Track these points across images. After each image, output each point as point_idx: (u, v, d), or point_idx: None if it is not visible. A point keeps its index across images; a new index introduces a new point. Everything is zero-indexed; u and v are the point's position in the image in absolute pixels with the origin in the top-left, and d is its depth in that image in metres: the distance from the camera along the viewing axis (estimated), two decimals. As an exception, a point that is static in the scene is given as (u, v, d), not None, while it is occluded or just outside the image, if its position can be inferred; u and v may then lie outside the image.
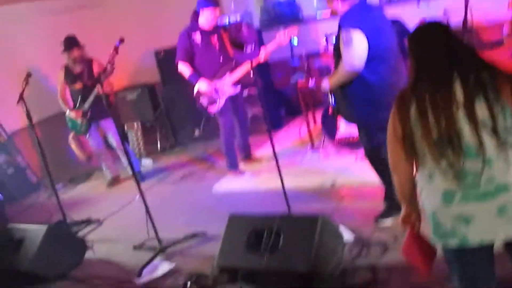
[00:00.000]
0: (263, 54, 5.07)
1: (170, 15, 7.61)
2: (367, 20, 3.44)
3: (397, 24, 5.82)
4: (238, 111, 5.55)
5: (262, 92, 6.46)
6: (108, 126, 5.84)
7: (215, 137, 6.30)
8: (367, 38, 3.37)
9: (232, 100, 5.40)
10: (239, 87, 5.35)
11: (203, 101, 5.31)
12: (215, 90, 5.24)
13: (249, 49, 4.11)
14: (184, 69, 5.28)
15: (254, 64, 4.92)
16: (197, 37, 5.21)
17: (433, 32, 2.15)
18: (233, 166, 5.63)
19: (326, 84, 3.67)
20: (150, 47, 7.75)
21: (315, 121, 6.21)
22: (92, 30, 7.55)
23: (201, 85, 5.21)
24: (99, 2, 8.37)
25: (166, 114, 7.54)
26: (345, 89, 3.59)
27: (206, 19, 5.17)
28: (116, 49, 4.68)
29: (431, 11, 6.44)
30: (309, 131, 5.79)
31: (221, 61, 5.26)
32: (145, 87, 7.77)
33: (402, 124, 2.08)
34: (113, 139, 6.00)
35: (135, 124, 7.20)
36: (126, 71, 8.04)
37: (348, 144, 5.38)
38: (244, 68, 5.23)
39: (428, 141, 2.02)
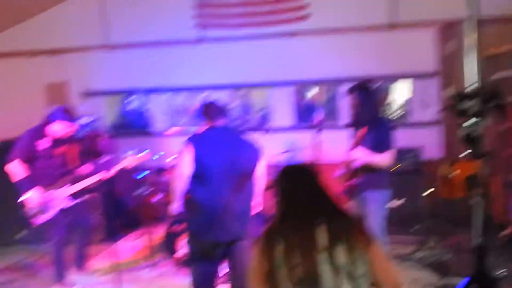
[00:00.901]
0: (111, 173, 4.98)
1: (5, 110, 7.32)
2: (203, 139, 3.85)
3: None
4: (79, 218, 5.26)
5: (103, 201, 6.35)
6: None
7: (40, 241, 5.78)
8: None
9: (73, 207, 5.12)
10: (73, 201, 5.08)
11: (30, 209, 4.89)
12: (47, 201, 4.93)
13: (104, 159, 4.01)
14: (18, 170, 4.86)
15: (96, 180, 5.00)
16: (43, 143, 4.97)
17: (299, 174, 2.34)
18: (60, 278, 5.16)
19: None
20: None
21: (154, 237, 6.09)
22: None
23: (32, 194, 4.85)
24: None
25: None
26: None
27: (59, 130, 5.01)
28: None
29: (275, 141, 7.11)
30: (149, 245, 5.66)
31: (60, 171, 5.05)
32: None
33: (267, 261, 2.16)
34: None
35: None
36: None
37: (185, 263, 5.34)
38: (85, 182, 5.09)
39: (292, 281, 2.12)
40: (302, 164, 2.45)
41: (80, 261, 5.43)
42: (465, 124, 3.79)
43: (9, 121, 7.57)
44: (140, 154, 4.93)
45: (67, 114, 5.01)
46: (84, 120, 6.66)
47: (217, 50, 7.40)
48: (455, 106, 3.85)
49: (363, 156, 4.32)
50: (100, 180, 5.05)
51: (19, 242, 6.48)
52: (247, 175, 3.95)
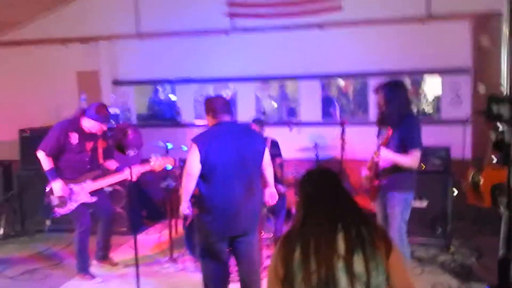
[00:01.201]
0: (135, 174, 4.81)
1: (37, 98, 7.49)
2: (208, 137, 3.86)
3: (273, 143, 6.25)
4: (102, 209, 5.32)
5: (128, 192, 6.43)
6: None
7: (67, 231, 5.98)
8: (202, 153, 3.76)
9: (98, 198, 5.17)
10: (95, 196, 5.11)
11: (53, 200, 4.99)
12: (70, 194, 5.01)
13: (131, 153, 4.02)
14: (44, 161, 4.96)
15: (122, 179, 5.00)
16: (74, 136, 5.01)
17: (323, 178, 2.31)
18: (83, 270, 5.25)
19: None
20: (14, 122, 7.38)
21: (176, 231, 6.17)
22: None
23: (55, 186, 4.94)
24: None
25: (18, 197, 6.99)
26: None
27: (90, 127, 5.03)
28: None
29: (301, 137, 7.07)
30: (170, 240, 5.71)
31: (88, 166, 5.10)
32: (0, 165, 7.28)
33: (284, 265, 2.16)
34: None
35: (-20, 203, 6.56)
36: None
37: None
38: (109, 181, 5.12)
39: (308, 286, 2.10)
40: (326, 168, 2.41)
41: (102, 252, 5.51)
42: (496, 129, 3.63)
43: (41, 107, 7.80)
44: (166, 160, 4.90)
45: (101, 115, 4.97)
46: (112, 111, 6.76)
47: (246, 40, 7.35)
48: (488, 110, 3.68)
49: (388, 157, 4.23)
50: (123, 180, 5.11)
51: (45, 231, 6.55)
52: (257, 168, 3.98)
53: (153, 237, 6.54)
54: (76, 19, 7.75)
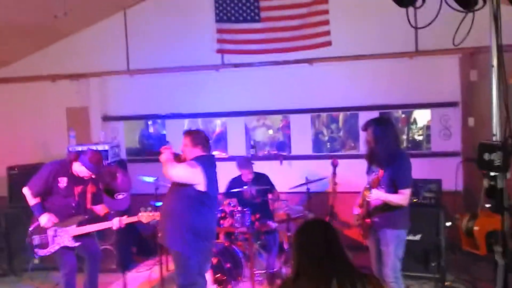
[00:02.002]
0: (118, 223, 4.96)
1: (26, 134, 7.43)
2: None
3: (264, 177, 6.28)
4: (89, 249, 5.20)
5: (119, 230, 6.33)
6: None
7: (55, 270, 5.82)
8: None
9: (83, 240, 5.08)
10: (78, 243, 5.02)
11: (35, 240, 4.94)
12: (53, 236, 4.94)
13: (120, 196, 3.99)
14: (29, 197, 4.93)
15: (106, 227, 5.04)
16: (62, 180, 4.96)
17: (316, 230, 2.29)
18: None
19: None
20: (2, 159, 7.31)
21: (167, 267, 6.06)
22: None
23: (43, 219, 4.89)
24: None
25: (5, 235, 6.85)
26: None
27: (79, 172, 4.99)
28: None
29: (293, 170, 7.07)
30: (161, 276, 5.61)
31: (73, 211, 5.03)
32: (-13, 202, 7.19)
33: None
34: None
35: (-34, 242, 6.41)
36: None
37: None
38: (94, 227, 5.05)
39: None
40: (321, 219, 2.41)
41: None
42: (488, 176, 3.63)
43: (30, 144, 7.74)
44: (154, 214, 4.87)
45: (94, 164, 4.92)
46: (101, 147, 6.73)
47: (236, 76, 7.40)
48: (479, 158, 3.69)
49: (379, 197, 4.23)
50: (109, 228, 5.06)
51: (29, 270, 6.35)
52: None
53: (144, 274, 6.42)
54: (66, 56, 7.76)
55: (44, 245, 4.94)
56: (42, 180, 4.93)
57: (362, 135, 6.89)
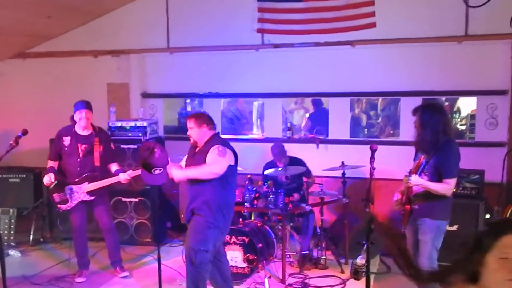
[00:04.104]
0: (125, 177, 5.36)
1: (68, 108, 7.56)
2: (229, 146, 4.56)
3: (298, 162, 6.22)
4: (100, 222, 5.66)
5: (152, 202, 6.47)
6: None
7: (93, 240, 6.09)
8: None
9: (96, 208, 5.58)
10: (93, 197, 5.47)
11: (55, 197, 5.45)
12: (70, 193, 5.43)
13: (157, 171, 4.05)
14: (46, 179, 5.45)
15: (115, 181, 5.42)
16: (66, 139, 5.48)
17: None
18: (82, 266, 5.64)
19: None
20: (45, 131, 7.51)
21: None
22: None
23: (45, 176, 5.44)
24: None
25: (47, 205, 7.10)
26: None
27: (78, 120, 5.45)
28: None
29: (329, 154, 6.99)
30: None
31: (78, 168, 5.43)
32: (31, 172, 7.45)
33: None
34: None
35: (11, 210, 6.67)
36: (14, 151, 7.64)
37: (232, 275, 5.31)
38: (104, 182, 5.42)
39: None
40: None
41: (110, 261, 5.76)
42: None
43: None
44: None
45: (77, 104, 5.48)
46: (140, 123, 6.83)
47: (276, 56, 7.31)
48: None
49: (418, 183, 4.11)
50: (117, 182, 5.47)
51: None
52: None
53: (177, 248, 6.54)
54: (108, 32, 7.86)
55: (64, 201, 5.44)
56: (53, 144, 5.64)
57: (403, 122, 6.77)
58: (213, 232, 4.35)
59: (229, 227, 4.62)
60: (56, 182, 5.41)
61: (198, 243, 4.30)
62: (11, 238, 6.63)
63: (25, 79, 8.40)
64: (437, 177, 4.12)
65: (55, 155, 5.58)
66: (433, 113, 4.21)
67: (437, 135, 4.13)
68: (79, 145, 5.44)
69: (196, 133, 4.51)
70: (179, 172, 4.38)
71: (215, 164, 4.28)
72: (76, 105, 5.49)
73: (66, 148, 5.46)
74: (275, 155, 6.20)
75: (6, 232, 6.58)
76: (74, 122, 5.54)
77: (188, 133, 4.61)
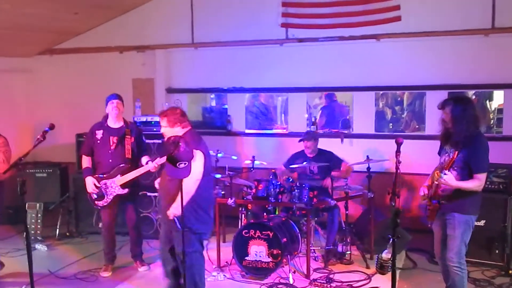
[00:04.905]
0: (153, 165, 5.27)
1: (94, 103, 7.67)
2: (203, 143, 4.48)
3: (327, 154, 6.23)
4: (127, 218, 5.73)
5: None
6: None
7: (119, 234, 6.12)
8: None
9: (124, 206, 5.66)
10: (126, 189, 5.49)
11: (92, 194, 5.50)
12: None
13: (181, 165, 4.08)
14: (83, 161, 5.64)
15: (145, 170, 5.35)
16: (99, 133, 5.57)
17: None
18: (108, 260, 5.72)
19: None
20: (71, 127, 7.66)
21: (224, 239, 6.16)
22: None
23: (87, 181, 5.50)
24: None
25: (73, 199, 7.20)
26: None
27: (110, 112, 5.56)
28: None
29: (354, 148, 6.95)
30: (218, 248, 5.70)
31: (110, 160, 5.50)
32: (57, 167, 7.59)
33: None
34: None
35: (37, 204, 6.78)
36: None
37: (255, 269, 5.34)
38: (135, 173, 5.42)
39: None
40: None
41: (131, 254, 5.84)
42: None
43: (97, 112, 7.98)
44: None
45: (109, 96, 5.62)
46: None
47: (300, 51, 7.29)
48: None
49: (451, 183, 4.04)
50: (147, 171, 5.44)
51: (99, 233, 6.69)
52: None
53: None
54: (133, 27, 7.95)
55: (101, 197, 5.50)
56: (86, 139, 5.74)
57: (428, 116, 6.69)
58: (198, 230, 4.39)
59: (212, 219, 4.60)
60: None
61: (189, 246, 4.26)
62: (38, 232, 6.74)
63: (52, 74, 8.56)
64: (466, 172, 4.05)
65: (88, 149, 5.65)
66: (464, 106, 4.13)
67: (469, 129, 4.06)
68: (110, 137, 5.53)
69: (170, 132, 4.45)
70: (173, 209, 4.29)
71: (190, 180, 4.20)
72: (108, 97, 5.63)
73: (98, 141, 5.55)
74: (305, 138, 6.15)
75: (33, 226, 6.70)
76: (106, 118, 5.64)
77: (161, 131, 4.56)
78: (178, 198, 4.05)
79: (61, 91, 8.49)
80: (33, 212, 6.75)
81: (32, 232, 6.65)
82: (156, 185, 4.67)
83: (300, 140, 6.24)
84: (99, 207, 5.58)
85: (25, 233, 4.34)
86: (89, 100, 8.05)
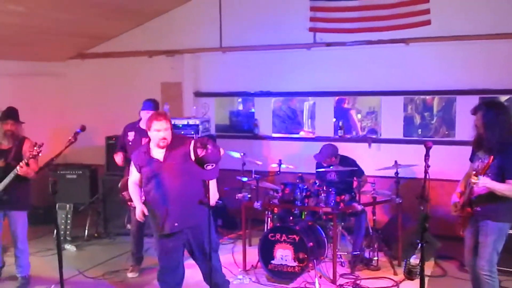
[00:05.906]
0: None
1: (123, 106, 7.79)
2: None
3: (349, 161, 6.13)
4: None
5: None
6: (17, 219, 5.25)
7: (146, 236, 6.14)
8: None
9: None
10: None
11: (125, 195, 5.29)
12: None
13: (209, 167, 4.09)
14: (118, 158, 5.71)
15: None
16: (131, 135, 5.67)
17: None
18: (135, 261, 5.80)
19: None
20: (101, 129, 7.79)
21: (250, 242, 6.17)
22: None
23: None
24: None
25: (102, 201, 7.32)
26: None
27: (145, 119, 5.36)
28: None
29: (381, 153, 6.88)
30: (244, 251, 5.71)
31: None
32: (88, 169, 7.73)
33: None
34: (18, 234, 5.26)
35: (67, 205, 6.91)
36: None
37: (281, 273, 5.32)
38: None
39: None
40: None
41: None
42: None
43: (126, 115, 8.11)
44: None
45: (144, 103, 5.68)
46: (193, 122, 6.96)
47: (328, 55, 7.27)
48: None
49: (487, 185, 3.96)
50: None
51: (127, 235, 6.72)
52: None
53: (227, 246, 6.58)
54: (162, 32, 8.06)
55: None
56: (119, 138, 5.92)
57: (459, 121, 6.58)
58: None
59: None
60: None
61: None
62: (67, 232, 6.88)
63: (83, 78, 8.75)
64: (500, 179, 3.96)
65: (120, 148, 5.78)
66: (497, 111, 4.05)
67: (501, 134, 3.97)
68: (142, 139, 5.53)
69: (170, 133, 4.27)
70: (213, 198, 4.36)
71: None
72: (145, 103, 5.67)
73: (130, 143, 5.63)
74: (323, 155, 6.07)
75: (62, 227, 6.83)
76: (140, 119, 5.72)
77: (162, 137, 4.20)
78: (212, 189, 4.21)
79: (91, 95, 8.67)
80: (63, 212, 6.89)
81: (62, 232, 6.78)
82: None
83: (318, 162, 6.19)
84: (132, 208, 5.52)
85: (55, 233, 4.41)
86: (118, 104, 8.19)
